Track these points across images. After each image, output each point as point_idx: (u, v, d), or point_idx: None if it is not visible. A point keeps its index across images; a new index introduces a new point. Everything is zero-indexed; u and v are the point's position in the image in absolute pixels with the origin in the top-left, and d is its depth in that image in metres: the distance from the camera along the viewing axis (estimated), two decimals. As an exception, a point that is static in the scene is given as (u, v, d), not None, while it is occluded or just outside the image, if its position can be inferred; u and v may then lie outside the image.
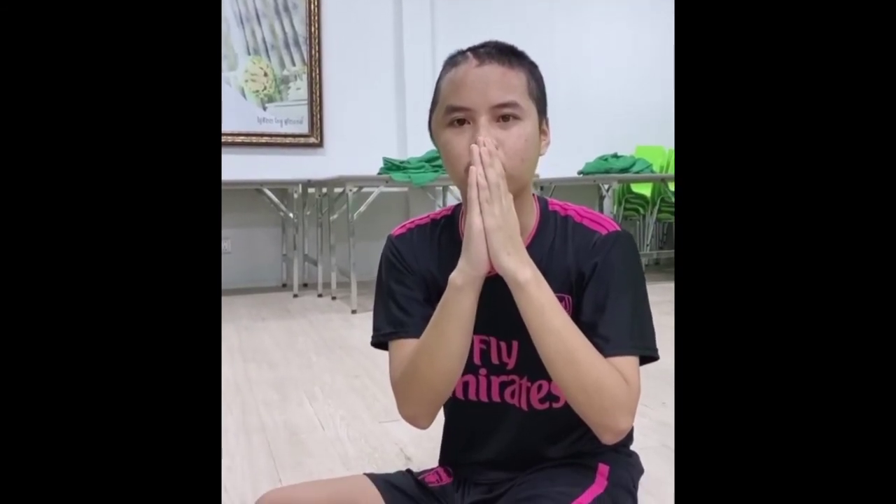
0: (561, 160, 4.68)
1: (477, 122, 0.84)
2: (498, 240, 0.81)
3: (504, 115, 0.85)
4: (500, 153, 0.84)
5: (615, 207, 4.79)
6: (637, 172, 4.39)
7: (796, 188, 0.57)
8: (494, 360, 0.95)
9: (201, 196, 0.60)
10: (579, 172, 4.54)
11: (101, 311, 0.56)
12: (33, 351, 0.54)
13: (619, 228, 0.91)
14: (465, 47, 0.90)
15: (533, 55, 0.92)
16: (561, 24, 5.12)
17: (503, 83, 0.85)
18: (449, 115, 0.87)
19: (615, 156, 4.50)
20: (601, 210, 4.46)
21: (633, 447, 1.00)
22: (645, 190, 4.86)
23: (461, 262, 0.84)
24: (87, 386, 0.55)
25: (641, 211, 4.98)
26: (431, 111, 0.91)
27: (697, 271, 0.60)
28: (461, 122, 0.86)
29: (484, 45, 0.89)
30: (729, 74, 0.59)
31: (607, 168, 4.39)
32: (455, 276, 0.84)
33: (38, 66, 0.55)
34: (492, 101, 0.84)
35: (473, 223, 0.81)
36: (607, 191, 4.23)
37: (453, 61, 0.89)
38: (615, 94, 5.20)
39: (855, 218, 0.55)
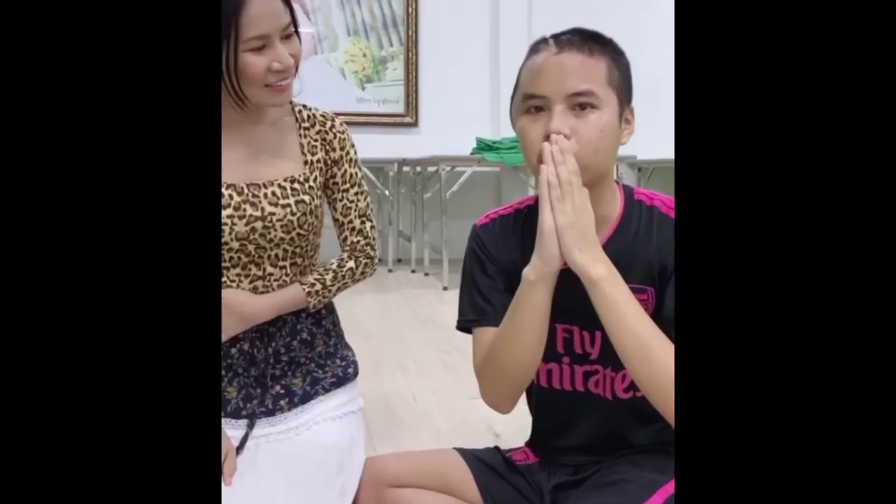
0: (662, 142, 4.54)
1: (552, 111, 0.84)
2: (570, 237, 0.81)
3: (581, 104, 0.84)
4: (572, 143, 0.83)
5: (716, 189, 4.59)
6: (741, 153, 4.18)
7: (799, 186, 0.54)
8: (577, 350, 0.96)
9: (201, 192, 0.58)
10: (679, 153, 4.39)
11: (98, 306, 0.54)
12: (32, 338, 0.53)
13: None
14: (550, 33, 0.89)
15: (634, 34, 0.92)
16: (664, 1, 4.92)
17: (581, 71, 0.84)
18: (526, 102, 0.88)
19: (718, 135, 4.29)
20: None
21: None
22: (749, 171, 4.63)
23: (534, 258, 0.84)
24: (83, 379, 0.53)
25: (745, 193, 4.75)
26: (512, 98, 0.93)
27: (698, 274, 0.57)
28: (538, 109, 0.86)
29: (566, 32, 0.88)
30: (730, 73, 0.57)
31: (709, 148, 4.21)
32: (528, 272, 0.85)
33: (38, 58, 0.54)
34: (567, 90, 0.84)
35: (545, 220, 0.82)
36: (708, 172, 4.07)
37: (535, 48, 0.89)
38: (720, 69, 4.96)
39: (859, 226, 0.52)
